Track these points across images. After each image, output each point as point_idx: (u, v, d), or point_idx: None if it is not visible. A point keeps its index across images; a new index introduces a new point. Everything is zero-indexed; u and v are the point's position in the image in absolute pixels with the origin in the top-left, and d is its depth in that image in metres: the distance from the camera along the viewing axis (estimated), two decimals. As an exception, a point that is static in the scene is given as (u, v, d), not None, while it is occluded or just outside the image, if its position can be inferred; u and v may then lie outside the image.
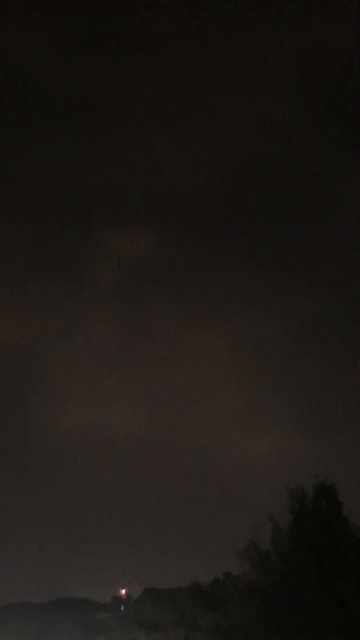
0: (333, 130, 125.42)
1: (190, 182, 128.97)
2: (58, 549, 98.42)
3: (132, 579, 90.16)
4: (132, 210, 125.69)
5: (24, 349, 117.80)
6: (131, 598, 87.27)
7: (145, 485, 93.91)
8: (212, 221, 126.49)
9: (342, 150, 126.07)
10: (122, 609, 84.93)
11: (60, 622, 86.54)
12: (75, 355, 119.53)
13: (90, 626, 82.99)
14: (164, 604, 59.71)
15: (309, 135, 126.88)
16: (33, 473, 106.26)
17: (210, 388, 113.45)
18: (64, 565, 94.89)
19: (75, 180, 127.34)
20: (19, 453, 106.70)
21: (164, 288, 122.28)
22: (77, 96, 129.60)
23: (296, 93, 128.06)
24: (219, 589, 54.47)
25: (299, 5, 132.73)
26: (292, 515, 48.96)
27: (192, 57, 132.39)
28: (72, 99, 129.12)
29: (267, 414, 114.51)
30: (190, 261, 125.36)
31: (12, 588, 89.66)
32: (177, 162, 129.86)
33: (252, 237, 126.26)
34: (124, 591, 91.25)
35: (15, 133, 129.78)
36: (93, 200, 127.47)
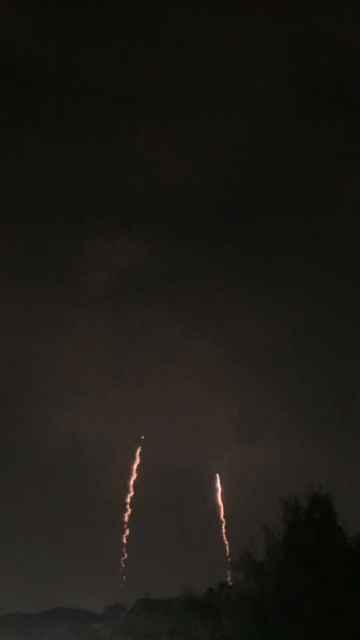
0: (335, 122, 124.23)
1: (185, 182, 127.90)
2: (52, 559, 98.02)
3: (127, 590, 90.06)
4: (125, 215, 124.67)
5: (11, 356, 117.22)
6: (125, 609, 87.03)
7: (138, 494, 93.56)
8: (207, 226, 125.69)
9: (344, 144, 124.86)
10: (116, 619, 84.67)
11: (54, 633, 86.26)
12: (63, 364, 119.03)
13: (85, 637, 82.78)
14: (159, 615, 59.49)
15: (311, 129, 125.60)
16: (26, 482, 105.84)
17: (203, 396, 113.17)
18: (58, 575, 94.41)
19: (66, 182, 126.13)
20: (9, 463, 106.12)
21: (157, 295, 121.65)
22: (68, 93, 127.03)
23: (296, 83, 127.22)
24: (214, 600, 54.35)
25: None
26: (286, 526, 48.97)
27: (189, 45, 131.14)
28: (63, 96, 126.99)
29: (261, 422, 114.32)
30: (184, 268, 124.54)
31: (6, 599, 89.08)
32: (172, 160, 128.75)
33: (249, 242, 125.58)
34: (118, 602, 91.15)
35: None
36: (84, 204, 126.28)
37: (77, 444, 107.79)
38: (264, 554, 48.93)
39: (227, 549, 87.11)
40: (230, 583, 53.08)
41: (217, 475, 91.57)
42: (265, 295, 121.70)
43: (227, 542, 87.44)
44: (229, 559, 50.28)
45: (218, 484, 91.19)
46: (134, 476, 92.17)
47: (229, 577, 52.91)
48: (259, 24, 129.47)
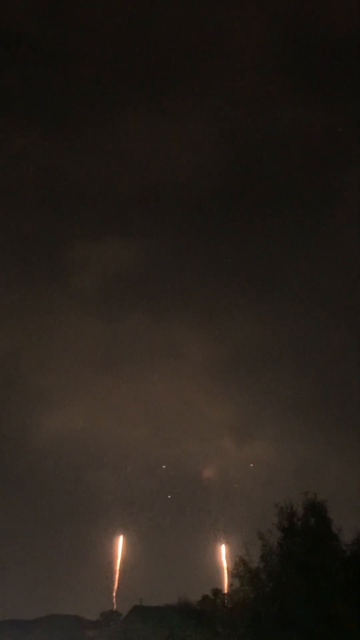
0: (335, 114, 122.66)
1: (177, 181, 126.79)
2: (46, 565, 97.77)
3: (121, 596, 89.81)
4: (115, 215, 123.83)
5: (1, 356, 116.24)
6: (120, 615, 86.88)
7: (132, 499, 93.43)
8: (199, 225, 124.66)
9: (343, 138, 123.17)
10: (111, 626, 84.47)
11: (49, 639, 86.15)
12: (54, 363, 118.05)
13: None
14: (153, 622, 59.50)
15: (310, 124, 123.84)
16: (17, 484, 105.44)
17: (197, 397, 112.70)
18: (52, 582, 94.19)
19: (56, 182, 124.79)
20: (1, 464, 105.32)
21: (149, 295, 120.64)
22: (56, 87, 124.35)
23: (295, 77, 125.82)
24: (208, 606, 54.30)
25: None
26: (281, 532, 48.97)
27: (184, 35, 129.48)
28: (51, 91, 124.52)
29: (256, 426, 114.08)
30: (176, 267, 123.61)
31: (0, 605, 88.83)
32: (164, 158, 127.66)
33: (245, 245, 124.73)
34: (113, 608, 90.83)
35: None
36: (74, 204, 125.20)
37: (68, 443, 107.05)
38: (258, 560, 48.94)
39: (222, 555, 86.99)
40: (225, 590, 53.07)
41: (212, 478, 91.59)
42: (261, 294, 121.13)
43: (222, 549, 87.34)
44: (224, 566, 50.15)
45: (212, 488, 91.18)
46: (125, 483, 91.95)
47: (224, 584, 52.91)
48: (254, 13, 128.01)
